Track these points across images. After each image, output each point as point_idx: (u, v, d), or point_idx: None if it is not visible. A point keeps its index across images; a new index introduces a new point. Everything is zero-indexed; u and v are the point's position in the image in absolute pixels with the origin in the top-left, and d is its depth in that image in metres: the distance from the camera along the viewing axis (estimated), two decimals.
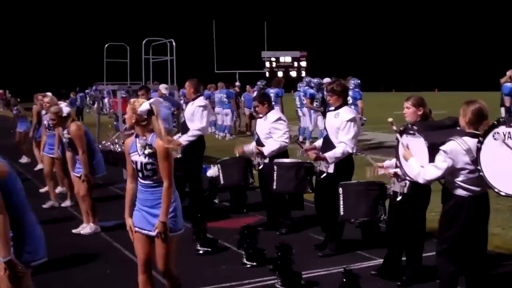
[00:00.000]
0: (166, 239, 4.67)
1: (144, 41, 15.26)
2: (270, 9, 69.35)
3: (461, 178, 4.84)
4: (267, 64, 66.77)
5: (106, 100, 31.45)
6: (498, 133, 4.58)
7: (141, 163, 4.69)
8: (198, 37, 55.50)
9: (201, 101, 8.90)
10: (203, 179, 9.31)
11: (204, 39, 38.79)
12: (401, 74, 78.59)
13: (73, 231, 8.19)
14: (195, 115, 8.68)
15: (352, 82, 15.41)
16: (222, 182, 8.46)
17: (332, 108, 7.03)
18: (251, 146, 8.33)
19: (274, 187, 7.43)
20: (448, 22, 73.17)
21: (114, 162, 11.90)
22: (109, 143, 14.52)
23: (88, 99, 38.97)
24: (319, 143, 7.25)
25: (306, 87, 17.45)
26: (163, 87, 13.82)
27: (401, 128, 5.48)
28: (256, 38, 36.65)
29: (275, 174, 7.38)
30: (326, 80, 16.09)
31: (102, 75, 16.30)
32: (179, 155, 8.88)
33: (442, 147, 4.83)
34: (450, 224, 4.96)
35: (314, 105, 16.61)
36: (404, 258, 6.07)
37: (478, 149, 4.62)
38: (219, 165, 8.49)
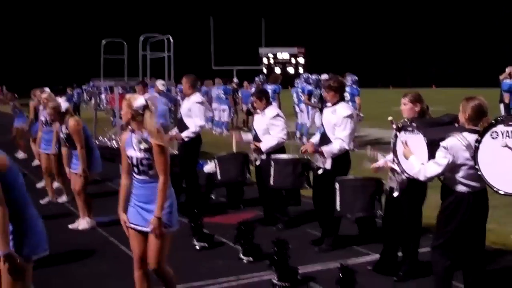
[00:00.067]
0: (160, 235, 4.66)
1: (141, 37, 15.25)
2: (268, 5, 69.26)
3: (461, 174, 4.84)
4: (265, 60, 66.70)
5: (103, 96, 31.43)
6: (496, 132, 4.58)
7: (137, 158, 4.68)
8: (196, 33, 55.46)
9: (197, 97, 8.90)
10: (200, 174, 9.31)
11: (201, 36, 38.74)
12: (399, 70, 78.62)
13: (70, 226, 8.21)
14: (193, 111, 8.68)
15: (350, 79, 15.42)
16: (219, 177, 8.47)
17: (329, 104, 7.04)
18: (249, 136, 8.35)
19: (272, 182, 7.44)
20: (445, 19, 73.19)
21: (111, 158, 11.90)
22: (106, 139, 14.52)
23: (85, 95, 38.91)
24: (315, 139, 7.26)
25: (304, 84, 17.45)
26: (160, 83, 13.80)
27: (399, 125, 5.49)
28: (253, 34, 36.57)
29: (272, 170, 7.40)
30: (324, 76, 16.08)
31: (99, 71, 16.28)
32: (175, 152, 8.89)
33: (442, 143, 4.82)
34: (449, 219, 4.97)
35: (312, 101, 16.61)
36: (400, 254, 6.09)
37: (476, 149, 4.62)
38: (216, 160, 8.49)
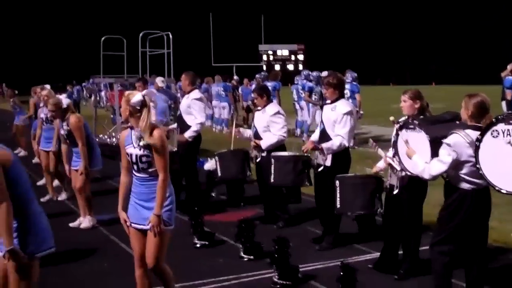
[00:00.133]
0: (159, 233, 4.64)
1: (141, 34, 15.21)
2: (267, 2, 69.22)
3: (464, 171, 4.82)
4: (264, 57, 66.67)
5: (102, 93, 31.42)
6: (496, 130, 4.56)
7: (136, 155, 4.66)
8: (195, 30, 55.45)
9: (196, 93, 8.89)
10: (200, 172, 9.30)
11: (201, 32, 38.75)
12: (399, 67, 78.59)
13: (70, 224, 8.20)
14: (193, 108, 8.66)
15: (350, 76, 15.39)
16: (219, 174, 8.45)
17: (329, 101, 7.03)
18: (248, 132, 8.34)
19: (272, 180, 7.42)
20: (445, 16, 73.12)
21: (111, 156, 11.88)
22: (106, 136, 14.51)
23: (84, 92, 38.86)
24: (315, 136, 7.25)
25: (304, 81, 17.43)
26: (159, 80, 13.76)
27: (401, 123, 5.47)
28: (253, 31, 36.59)
29: (272, 168, 7.38)
30: (325, 73, 16.06)
31: (98, 68, 16.26)
32: (174, 149, 8.88)
33: (445, 140, 4.81)
34: (452, 216, 4.95)
35: (313, 98, 16.59)
36: (400, 252, 6.08)
37: (477, 147, 4.60)
38: (216, 157, 8.48)
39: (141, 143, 4.62)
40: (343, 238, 7.09)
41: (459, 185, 4.90)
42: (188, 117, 8.69)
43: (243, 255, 6.64)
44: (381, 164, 6.12)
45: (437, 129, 5.09)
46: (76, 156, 8.04)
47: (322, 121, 7.04)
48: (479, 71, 60.66)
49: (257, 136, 8.02)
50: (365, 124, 19.87)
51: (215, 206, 9.12)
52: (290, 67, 76.50)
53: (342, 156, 6.87)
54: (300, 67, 67.82)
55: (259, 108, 8.11)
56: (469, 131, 4.77)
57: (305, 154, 7.36)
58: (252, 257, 6.59)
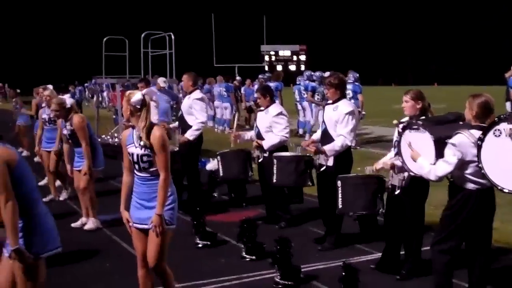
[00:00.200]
0: (161, 233, 4.63)
1: (143, 35, 15.24)
2: (269, 2, 69.19)
3: (469, 171, 4.81)
4: (266, 58, 66.68)
5: (105, 94, 31.48)
6: (499, 130, 4.55)
7: (137, 155, 4.66)
8: (197, 30, 55.39)
9: (197, 94, 8.91)
10: (202, 172, 9.30)
11: (203, 33, 38.69)
12: (401, 68, 78.57)
13: (72, 225, 8.19)
14: (194, 108, 8.67)
15: (352, 76, 15.39)
16: (221, 174, 8.46)
17: (330, 101, 7.03)
18: (248, 135, 8.34)
19: (274, 180, 7.42)
20: (447, 16, 73.07)
21: (113, 156, 11.88)
22: (108, 136, 14.52)
23: (87, 92, 38.91)
24: (317, 135, 7.25)
25: (307, 81, 17.44)
26: (161, 81, 13.79)
27: (404, 123, 5.47)
28: (255, 31, 36.53)
29: (275, 168, 7.37)
30: (328, 74, 16.06)
31: (101, 68, 16.29)
32: (176, 148, 8.89)
33: (450, 141, 4.80)
34: (455, 216, 4.94)
35: (316, 98, 16.60)
36: (402, 252, 6.08)
37: (479, 147, 4.59)
38: (219, 157, 8.49)
39: (142, 143, 4.63)
40: (345, 238, 7.09)
41: (464, 185, 4.89)
42: (190, 117, 8.70)
43: (245, 255, 6.64)
44: (381, 161, 6.10)
45: (441, 129, 5.08)
46: (78, 156, 8.03)
47: (323, 121, 7.04)
48: (481, 72, 60.61)
49: (259, 136, 8.02)
50: (367, 124, 19.87)
51: (217, 206, 9.13)
52: (292, 67, 76.62)
53: (344, 156, 6.87)
54: (302, 67, 67.96)
55: (261, 108, 8.12)
56: (473, 131, 4.75)
57: (307, 154, 7.36)
58: (254, 257, 6.59)
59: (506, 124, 4.54)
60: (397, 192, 5.82)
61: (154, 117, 9.07)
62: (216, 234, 7.35)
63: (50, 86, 10.58)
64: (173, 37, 14.79)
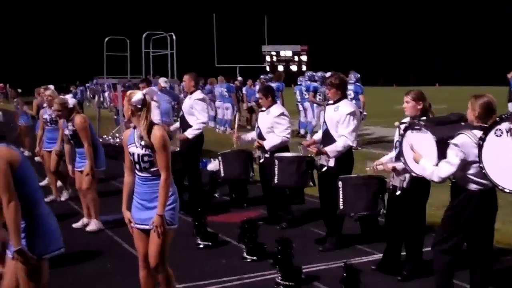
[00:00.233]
0: (162, 233, 4.63)
1: (144, 35, 15.24)
2: (271, 2, 69.20)
3: (471, 171, 4.80)
4: (268, 58, 66.64)
5: (106, 94, 31.44)
6: (500, 129, 4.54)
7: (138, 154, 4.66)
8: (199, 31, 55.41)
9: (199, 94, 8.92)
10: (203, 173, 9.29)
11: (204, 33, 38.70)
12: (402, 68, 78.56)
13: (74, 225, 8.19)
14: (195, 108, 8.68)
15: (353, 76, 15.39)
16: (222, 174, 8.46)
17: (331, 101, 7.03)
18: (249, 136, 8.34)
19: (276, 181, 7.41)
20: (448, 16, 73.05)
21: (114, 156, 11.89)
22: (109, 136, 14.52)
23: (88, 93, 38.93)
24: (318, 136, 7.25)
25: (308, 82, 17.44)
26: (162, 81, 13.80)
27: (406, 124, 5.46)
28: (256, 32, 36.54)
29: (276, 169, 7.37)
30: (330, 74, 16.08)
31: (102, 69, 16.27)
32: (177, 149, 8.89)
33: (452, 141, 4.79)
34: (457, 216, 4.93)
35: (317, 99, 16.59)
36: (403, 253, 6.07)
37: (480, 147, 4.59)
38: (220, 157, 8.49)
39: (142, 142, 4.63)
40: (346, 239, 7.09)
41: (466, 185, 4.88)
42: (191, 117, 8.71)
43: (246, 256, 6.64)
44: (383, 159, 6.10)
45: (443, 129, 5.07)
46: (79, 157, 8.01)
47: (324, 122, 7.04)
48: (483, 72, 60.58)
49: (261, 137, 8.01)
50: (369, 125, 19.86)
51: (218, 207, 9.13)
52: (294, 68, 76.59)
53: (345, 157, 6.87)
54: (304, 68, 67.95)
55: (263, 109, 8.11)
56: (476, 132, 4.74)
57: (309, 155, 7.36)
58: (255, 258, 6.59)
59: (508, 124, 4.53)
60: (398, 192, 5.81)
61: (156, 117, 9.06)
62: (217, 234, 7.35)
63: (52, 86, 10.57)
64: (174, 37, 14.78)
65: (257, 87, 19.79)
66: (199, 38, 55.13)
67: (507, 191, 4.57)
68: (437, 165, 4.93)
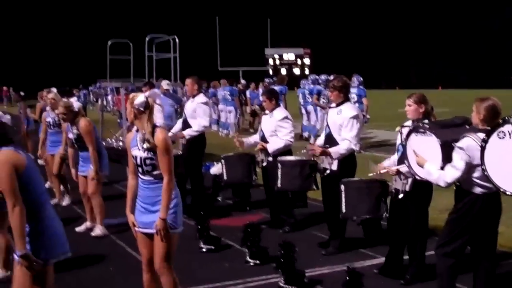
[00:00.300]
0: (166, 237, 4.62)
1: (147, 38, 15.26)
2: (274, 6, 69.28)
3: (476, 174, 4.79)
4: (271, 61, 66.65)
5: (109, 97, 31.51)
6: (503, 132, 4.53)
7: (141, 157, 4.65)
8: (202, 34, 55.50)
9: (202, 97, 8.94)
10: (206, 176, 9.28)
11: (207, 36, 38.78)
12: (404, 71, 78.56)
13: (77, 229, 8.18)
14: (198, 111, 8.69)
15: (356, 80, 15.38)
16: (225, 178, 8.46)
17: (334, 104, 7.02)
18: (252, 140, 8.34)
19: (279, 185, 7.39)
20: (451, 19, 73.06)
21: (116, 160, 11.89)
22: (112, 140, 14.53)
23: (91, 96, 38.97)
24: (320, 140, 7.22)
25: (311, 85, 17.45)
26: (165, 83, 13.82)
27: (411, 127, 5.45)
28: (259, 35, 36.62)
29: (279, 172, 7.35)
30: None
31: (105, 72, 16.31)
32: (179, 152, 8.90)
33: (457, 144, 4.78)
34: (461, 219, 4.93)
35: (321, 102, 16.59)
36: (406, 257, 6.06)
37: (483, 149, 4.58)
38: (223, 160, 8.49)
39: (145, 145, 4.62)
40: (349, 243, 7.08)
41: (471, 189, 4.87)
42: (193, 121, 8.72)
43: (249, 259, 6.63)
44: (386, 163, 6.08)
45: (448, 132, 5.06)
46: (82, 161, 7.96)
47: (327, 125, 7.03)
48: (486, 75, 60.55)
49: (264, 140, 8.01)
50: (371, 128, 19.84)
51: (221, 211, 9.13)
52: (296, 71, 76.42)
53: (348, 160, 6.86)
54: (307, 71, 67.87)
55: (266, 112, 8.10)
56: (481, 135, 4.71)
57: (312, 159, 7.35)
58: (258, 261, 6.59)
59: (511, 126, 4.52)
60: (401, 196, 5.81)
61: (159, 121, 9.07)
62: (220, 238, 7.35)
63: (54, 89, 10.57)
64: (177, 40, 14.81)
65: (261, 90, 19.83)
66: (202, 42, 55.25)
67: (509, 193, 4.56)
68: (442, 168, 4.92)
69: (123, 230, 7.50)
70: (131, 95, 4.85)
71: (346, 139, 6.74)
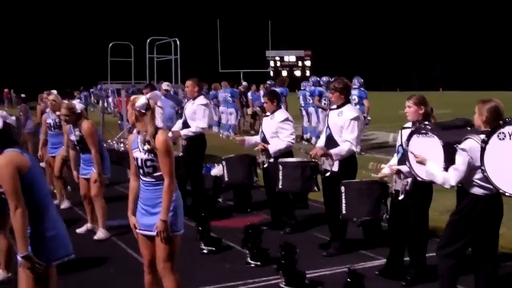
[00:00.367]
0: (166, 238, 4.62)
1: (148, 40, 15.28)
2: (275, 8, 69.37)
3: (478, 176, 4.79)
4: (272, 63, 66.76)
5: (110, 99, 31.53)
6: (503, 133, 4.53)
7: (142, 159, 4.65)
8: (203, 36, 55.58)
9: (202, 99, 8.94)
10: (207, 178, 9.28)
11: (208, 38, 38.82)
12: (406, 73, 78.56)
13: (78, 231, 8.17)
14: (197, 113, 8.70)
15: (357, 81, 15.38)
16: (226, 179, 8.46)
17: (334, 106, 7.02)
18: (253, 140, 8.34)
19: (280, 186, 7.37)
20: (452, 20, 73.07)
21: (117, 162, 11.88)
22: (114, 142, 14.52)
23: (92, 98, 38.98)
24: (321, 142, 7.22)
25: (312, 87, 17.45)
26: (165, 85, 13.82)
27: (413, 129, 5.45)
28: (260, 37, 36.64)
29: (280, 174, 7.34)
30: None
31: (106, 74, 16.32)
32: (180, 154, 8.90)
33: (460, 146, 4.78)
34: (463, 220, 4.93)
35: (323, 103, 16.59)
36: (407, 258, 6.06)
37: (483, 149, 4.58)
38: (224, 161, 8.50)
39: (146, 147, 4.62)
40: (350, 244, 7.08)
41: (472, 190, 4.87)
42: (193, 122, 8.72)
43: (250, 261, 6.63)
44: (386, 171, 6.09)
45: (450, 134, 5.06)
46: (84, 163, 7.91)
47: (328, 127, 7.03)
48: (487, 76, 60.54)
49: (265, 141, 8.01)
50: (373, 130, 19.85)
51: (221, 212, 9.13)
52: (297, 73, 76.53)
53: (349, 161, 6.86)
54: (307, 73, 67.93)
55: (267, 113, 8.11)
56: (483, 136, 4.73)
57: (313, 160, 7.35)
58: (259, 263, 6.59)
59: (511, 128, 4.52)
60: (401, 197, 5.81)
61: (160, 123, 9.06)
62: (221, 239, 7.35)
63: (54, 91, 10.57)
64: (178, 42, 14.82)
65: (262, 92, 19.83)
66: (203, 44, 55.32)
67: (508, 194, 4.56)
68: (444, 169, 4.92)
69: (124, 232, 7.50)
70: (132, 97, 4.85)
71: (347, 140, 6.74)
